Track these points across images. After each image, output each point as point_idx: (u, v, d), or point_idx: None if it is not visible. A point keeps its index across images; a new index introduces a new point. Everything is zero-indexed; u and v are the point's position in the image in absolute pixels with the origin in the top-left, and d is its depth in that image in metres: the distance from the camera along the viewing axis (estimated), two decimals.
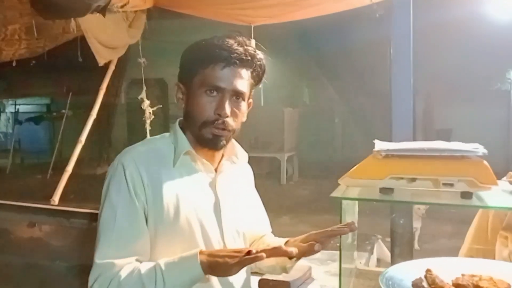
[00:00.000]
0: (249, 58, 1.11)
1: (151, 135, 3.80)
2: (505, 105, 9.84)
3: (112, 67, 4.01)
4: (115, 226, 1.04)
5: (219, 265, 0.98)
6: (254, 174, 1.37)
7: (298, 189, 8.09)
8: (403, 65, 1.48)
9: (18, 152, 12.35)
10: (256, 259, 0.94)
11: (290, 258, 1.17)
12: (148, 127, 3.69)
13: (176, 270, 1.00)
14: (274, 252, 0.97)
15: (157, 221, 1.08)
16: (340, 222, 1.09)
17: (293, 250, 0.97)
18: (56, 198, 3.49)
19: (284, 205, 6.47)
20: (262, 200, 1.40)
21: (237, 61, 1.09)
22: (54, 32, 3.57)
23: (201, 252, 1.01)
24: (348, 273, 1.39)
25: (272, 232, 1.38)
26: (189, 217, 1.10)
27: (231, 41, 1.10)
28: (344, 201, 1.13)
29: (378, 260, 2.65)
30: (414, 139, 1.72)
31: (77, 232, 1.26)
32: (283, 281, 1.60)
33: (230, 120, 1.11)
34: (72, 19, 3.08)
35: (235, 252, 0.98)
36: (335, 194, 1.06)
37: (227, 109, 1.09)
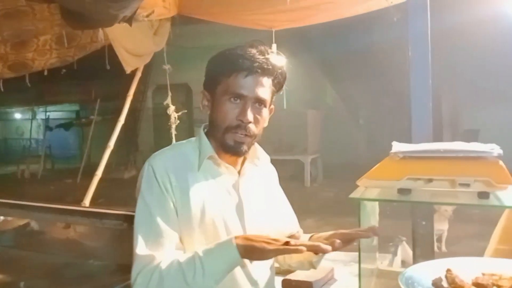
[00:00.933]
0: (270, 67, 1.16)
1: (176, 140, 3.90)
2: None
3: (138, 74, 4.12)
4: (151, 222, 1.11)
5: (255, 249, 1.02)
6: (278, 176, 1.41)
7: (322, 191, 8.06)
8: (422, 67, 1.50)
9: (49, 158, 12.74)
10: (297, 251, 0.98)
11: (316, 253, 1.21)
12: (173, 132, 3.78)
13: (213, 256, 1.06)
14: (312, 248, 1.01)
15: (184, 222, 1.13)
16: (359, 222, 1.12)
17: (328, 247, 1.00)
18: (86, 201, 3.61)
19: (308, 207, 6.47)
20: None
21: (259, 70, 1.14)
22: (83, 42, 3.70)
23: (236, 237, 1.06)
24: (369, 273, 1.41)
25: None
26: (215, 219, 1.15)
27: (253, 51, 1.16)
28: (365, 202, 1.16)
29: (403, 262, 2.64)
30: (442, 140, 1.72)
31: (109, 232, 1.33)
32: (306, 281, 1.63)
33: (252, 126, 1.16)
34: (100, 29, 3.19)
35: (273, 239, 1.03)
36: (353, 195, 1.09)
37: (249, 115, 1.15)
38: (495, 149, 0.98)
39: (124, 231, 1.23)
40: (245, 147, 1.18)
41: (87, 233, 1.39)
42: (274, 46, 3.29)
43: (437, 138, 1.79)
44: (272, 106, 1.25)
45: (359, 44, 7.92)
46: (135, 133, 11.60)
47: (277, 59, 1.20)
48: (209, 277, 1.04)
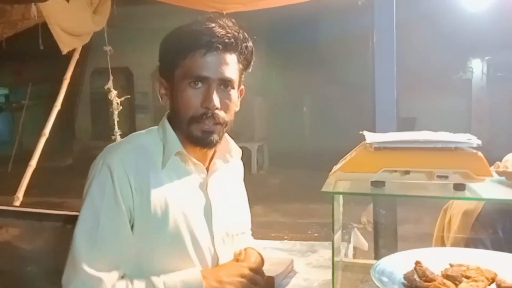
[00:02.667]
0: (233, 41, 1.01)
1: (119, 127, 3.68)
2: (467, 93, 10.19)
3: (76, 56, 3.83)
4: (98, 233, 0.95)
5: None
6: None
7: (268, 178, 8.10)
8: (386, 55, 1.46)
9: None
10: None
11: None
12: (116, 118, 3.55)
13: None
14: None
15: (144, 227, 0.99)
16: (333, 216, 1.05)
17: None
18: (20, 195, 3.32)
19: (255, 194, 6.42)
20: None
21: (220, 45, 0.99)
22: (13, 18, 3.36)
23: (204, 277, 0.98)
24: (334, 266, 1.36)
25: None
26: (178, 223, 1.01)
27: (212, 24, 1.00)
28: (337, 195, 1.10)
29: (354, 248, 2.66)
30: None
31: (49, 235, 1.17)
32: (267, 276, 1.56)
33: (220, 113, 1.02)
34: (32, 4, 2.91)
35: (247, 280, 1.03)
36: (326, 188, 1.02)
37: (215, 100, 1.00)
38: (473, 140, 0.95)
39: (66, 233, 1.08)
40: (215, 137, 1.03)
41: (23, 236, 1.22)
42: None
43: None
44: (242, 87, 1.11)
45: (310, 32, 7.96)
46: (72, 119, 10.97)
47: (241, 32, 1.04)
48: None
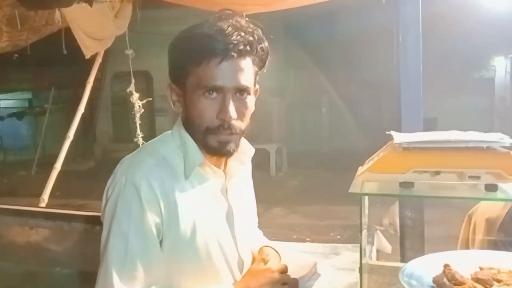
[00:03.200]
0: (249, 46, 0.95)
1: (140, 130, 3.72)
2: (489, 92, 9.98)
3: (99, 60, 3.89)
4: (128, 255, 0.93)
5: None
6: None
7: (287, 180, 8.09)
8: (412, 53, 1.42)
9: (0, 149, 12.06)
10: None
11: None
12: (138, 121, 3.59)
13: None
14: None
15: (174, 241, 0.97)
16: (360, 217, 1.04)
17: None
18: (45, 196, 3.39)
19: (274, 196, 6.45)
20: None
21: (235, 53, 0.93)
22: (37, 24, 3.43)
23: None
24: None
25: (264, 225, 1.33)
26: (205, 234, 1.00)
27: (224, 26, 0.93)
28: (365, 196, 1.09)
29: (377, 251, 2.62)
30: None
31: (79, 236, 1.18)
32: (291, 278, 1.55)
33: (237, 123, 0.97)
34: (56, 10, 2.96)
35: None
36: (353, 189, 1.01)
37: (232, 111, 0.95)
38: (505, 139, 0.92)
39: (96, 234, 1.09)
40: (232, 146, 0.99)
41: (52, 237, 1.23)
42: None
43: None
44: (257, 87, 1.06)
45: (328, 32, 7.92)
46: (93, 123, 11.15)
47: (256, 32, 0.98)
48: None
